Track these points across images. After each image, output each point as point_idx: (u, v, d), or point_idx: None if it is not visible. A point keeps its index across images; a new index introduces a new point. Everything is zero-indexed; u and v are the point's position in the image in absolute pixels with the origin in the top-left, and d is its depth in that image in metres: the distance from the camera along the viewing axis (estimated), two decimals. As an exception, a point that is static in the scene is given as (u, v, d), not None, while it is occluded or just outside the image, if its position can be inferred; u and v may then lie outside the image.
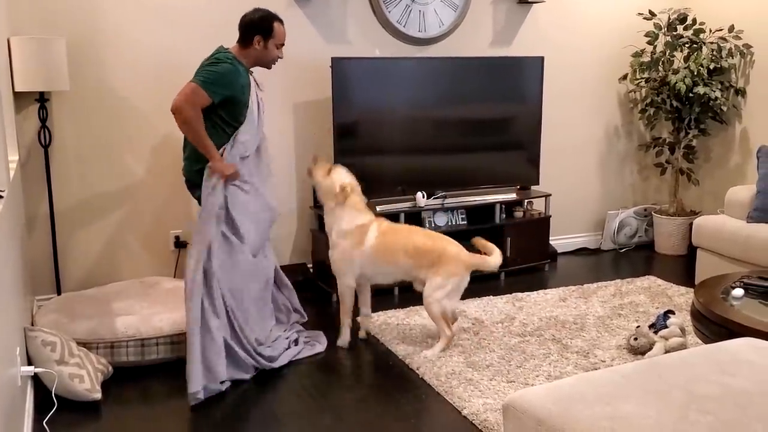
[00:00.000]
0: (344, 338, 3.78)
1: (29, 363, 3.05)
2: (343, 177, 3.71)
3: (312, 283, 4.69)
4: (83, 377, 3.09)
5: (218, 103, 3.26)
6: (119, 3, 4.15)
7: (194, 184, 3.43)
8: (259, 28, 3.38)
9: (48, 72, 3.76)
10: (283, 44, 3.49)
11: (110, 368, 3.37)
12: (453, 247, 3.63)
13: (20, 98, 3.98)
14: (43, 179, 4.07)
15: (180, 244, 4.47)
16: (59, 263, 4.14)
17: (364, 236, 3.64)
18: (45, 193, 4.07)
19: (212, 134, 3.31)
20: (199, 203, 3.48)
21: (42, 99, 3.96)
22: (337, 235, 3.68)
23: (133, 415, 3.08)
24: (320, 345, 3.74)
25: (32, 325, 3.51)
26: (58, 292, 4.13)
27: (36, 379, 3.13)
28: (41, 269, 4.15)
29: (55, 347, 3.07)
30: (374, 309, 4.23)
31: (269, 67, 3.55)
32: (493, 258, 3.66)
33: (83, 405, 3.10)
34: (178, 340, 3.50)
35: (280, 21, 3.46)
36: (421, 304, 4.17)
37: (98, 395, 3.13)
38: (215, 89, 3.22)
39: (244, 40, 3.40)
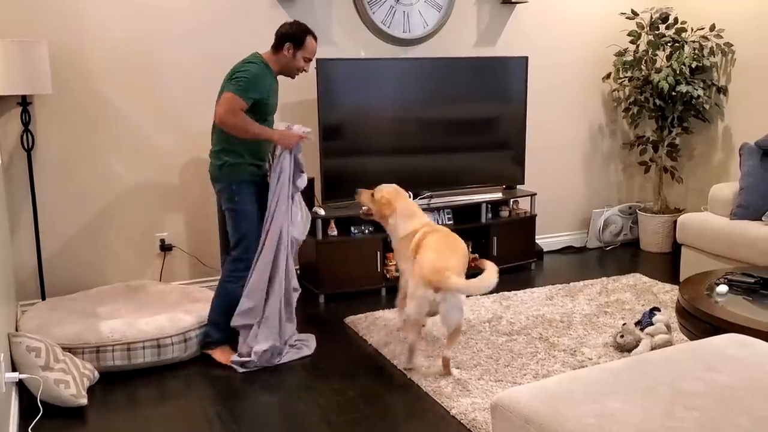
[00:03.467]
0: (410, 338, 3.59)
1: (14, 369, 3.03)
2: (384, 191, 3.78)
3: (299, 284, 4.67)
4: (69, 383, 3.07)
5: (250, 106, 3.44)
6: (102, 5, 4.13)
7: (215, 180, 3.63)
8: (292, 37, 3.57)
9: (30, 75, 3.73)
10: (310, 59, 3.67)
11: (96, 373, 3.34)
12: (428, 257, 3.36)
13: (2, 102, 3.95)
14: (26, 183, 4.03)
15: (165, 247, 4.45)
16: (43, 268, 4.11)
17: (414, 237, 3.60)
18: (28, 197, 4.04)
19: (229, 138, 3.50)
20: (218, 198, 3.70)
21: (24, 102, 3.92)
22: (397, 243, 3.73)
23: (119, 420, 3.05)
24: (307, 348, 3.74)
25: (16, 330, 3.48)
26: (43, 297, 4.09)
27: (21, 385, 3.10)
28: (25, 274, 4.11)
29: (40, 353, 3.04)
30: (360, 311, 4.24)
31: (293, 77, 3.72)
32: (459, 281, 3.28)
33: (69, 411, 3.07)
34: (165, 344, 3.49)
35: (315, 38, 3.65)
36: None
37: (84, 401, 3.10)
38: (248, 94, 3.42)
39: (277, 46, 3.59)
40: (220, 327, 3.61)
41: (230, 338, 3.65)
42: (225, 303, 3.60)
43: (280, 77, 3.67)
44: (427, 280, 3.28)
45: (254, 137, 3.48)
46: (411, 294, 3.37)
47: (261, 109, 3.51)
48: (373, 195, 3.81)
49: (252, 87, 3.43)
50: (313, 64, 4.42)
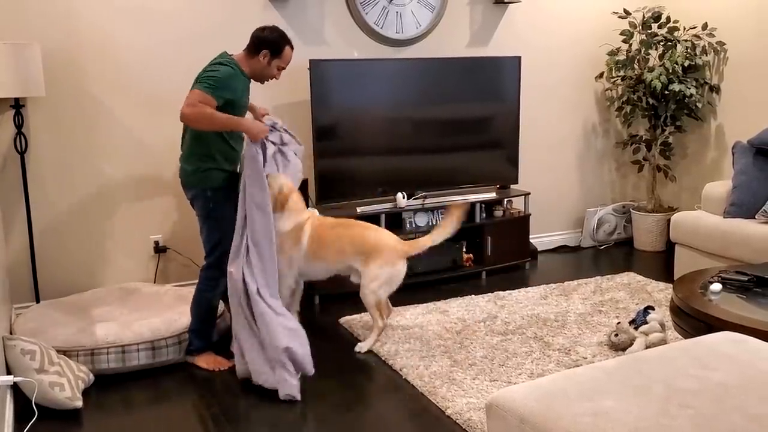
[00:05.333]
0: None
1: (8, 372, 3.02)
2: (277, 183, 3.61)
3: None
4: (64, 385, 3.06)
5: (220, 107, 3.31)
6: (95, 8, 4.12)
7: (187, 186, 3.52)
8: (271, 44, 3.46)
9: (23, 78, 3.72)
10: (284, 68, 3.57)
11: (91, 376, 3.34)
12: (383, 236, 3.73)
13: (-5, 105, 3.94)
14: (19, 186, 4.02)
15: (160, 249, 4.44)
16: (37, 271, 4.10)
17: (300, 237, 3.66)
18: (22, 200, 4.03)
19: (211, 140, 3.40)
20: (192, 205, 3.57)
21: (17, 105, 3.92)
22: (278, 237, 3.57)
23: (114, 423, 3.05)
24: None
25: (11, 333, 3.47)
26: (37, 300, 4.08)
27: (16, 388, 3.10)
28: (19, 277, 4.10)
29: (35, 355, 3.04)
30: (355, 311, 4.24)
31: (262, 82, 3.62)
32: (425, 238, 3.76)
33: (64, 413, 3.07)
34: (159, 346, 3.49)
35: (292, 47, 3.55)
36: (404, 305, 4.18)
37: (79, 403, 3.10)
38: (218, 93, 3.29)
39: (253, 49, 3.48)
40: (201, 335, 3.58)
41: (213, 345, 3.64)
42: (203, 312, 3.55)
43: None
44: (403, 252, 3.69)
45: (221, 127, 3.33)
46: (382, 273, 3.64)
47: (234, 112, 3.38)
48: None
49: (223, 86, 3.30)
50: (305, 64, 4.44)
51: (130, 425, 3.03)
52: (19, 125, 3.95)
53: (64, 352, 3.33)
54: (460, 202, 3.81)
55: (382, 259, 3.65)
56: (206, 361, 3.56)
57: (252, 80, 3.55)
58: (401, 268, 3.72)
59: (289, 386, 3.20)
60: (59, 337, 3.39)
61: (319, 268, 3.75)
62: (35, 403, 2.96)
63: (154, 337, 3.48)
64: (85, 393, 3.24)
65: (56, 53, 4.05)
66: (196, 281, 3.60)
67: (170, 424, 3.05)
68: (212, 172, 3.45)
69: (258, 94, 4.54)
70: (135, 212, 4.38)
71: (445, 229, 3.79)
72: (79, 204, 4.23)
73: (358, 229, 3.74)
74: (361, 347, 3.72)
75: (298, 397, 3.19)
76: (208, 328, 3.58)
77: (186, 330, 3.58)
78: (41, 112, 4.08)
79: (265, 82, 3.60)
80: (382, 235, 3.75)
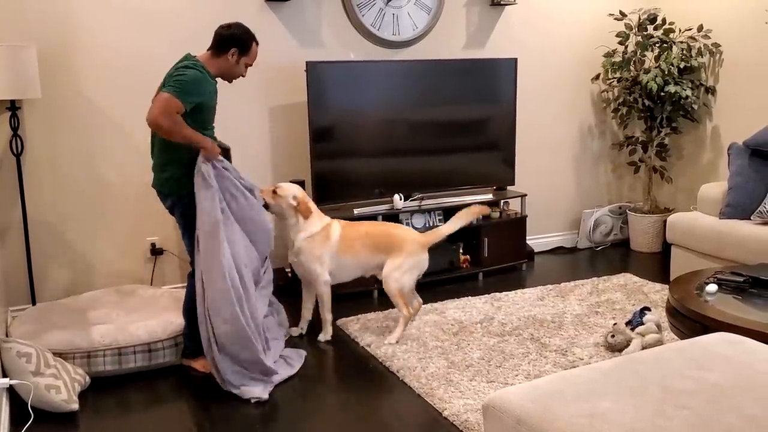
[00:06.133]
0: (327, 334, 3.90)
1: (4, 375, 3.01)
2: (293, 190, 3.80)
3: (292, 288, 4.67)
4: (60, 388, 3.05)
5: (188, 111, 3.22)
6: (91, 9, 4.12)
7: (164, 194, 3.45)
8: (238, 42, 3.38)
9: (19, 80, 3.72)
10: (251, 65, 3.50)
11: (87, 378, 3.33)
12: (404, 231, 3.93)
13: (-9, 107, 3.94)
14: (15, 188, 4.02)
15: (156, 251, 4.44)
16: (33, 273, 4.09)
17: (329, 236, 3.84)
18: (18, 202, 4.02)
19: (182, 147, 3.28)
20: (171, 213, 3.49)
21: (13, 107, 3.91)
22: (305, 240, 3.80)
23: (111, 425, 3.05)
24: (292, 368, 3.55)
25: (7, 336, 3.46)
26: (33, 302, 4.08)
27: (11, 391, 3.09)
28: (15, 279, 4.09)
29: (31, 358, 3.03)
30: (351, 313, 4.24)
31: (230, 81, 3.53)
32: (443, 227, 3.95)
33: (60, 416, 3.06)
34: (155, 348, 3.48)
35: (257, 43, 3.48)
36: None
37: (75, 406, 3.09)
38: (187, 97, 3.18)
39: (219, 49, 3.38)
40: (196, 338, 3.52)
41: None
42: (192, 315, 3.50)
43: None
44: (425, 243, 3.87)
45: (186, 141, 3.22)
46: (405, 263, 3.79)
47: (203, 116, 3.31)
48: (275, 192, 3.79)
49: (192, 90, 3.20)
50: (302, 66, 4.44)
51: (126, 428, 3.03)
52: (15, 127, 3.94)
53: (60, 354, 3.32)
54: (478, 205, 4.08)
55: (406, 251, 3.83)
56: (202, 364, 3.55)
57: (220, 79, 3.46)
58: (424, 257, 3.89)
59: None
60: (55, 339, 3.38)
61: (349, 266, 3.90)
62: (31, 405, 2.95)
63: (151, 340, 3.48)
64: (82, 395, 3.23)
65: (52, 55, 4.05)
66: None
67: (167, 427, 3.05)
68: (186, 178, 3.35)
69: (254, 96, 4.56)
70: (131, 214, 4.38)
71: (461, 219, 3.94)
72: (75, 206, 4.23)
73: (383, 227, 3.96)
74: (390, 339, 3.79)
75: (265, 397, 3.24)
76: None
77: (182, 332, 3.57)
78: (37, 114, 4.07)
79: (233, 80, 3.52)
80: (404, 230, 3.96)
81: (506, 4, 5.20)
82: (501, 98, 5.10)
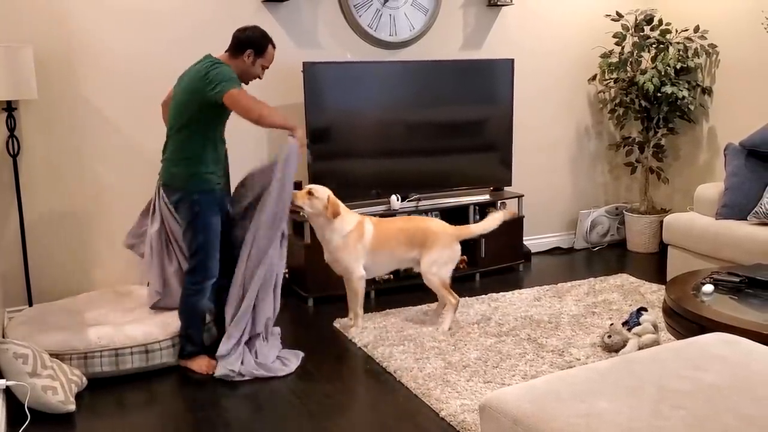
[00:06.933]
0: (359, 327, 3.99)
1: (1, 376, 3.00)
2: (327, 192, 3.86)
3: (288, 288, 4.67)
4: (56, 389, 3.05)
5: (219, 105, 3.31)
6: (88, 10, 4.11)
7: (172, 189, 3.47)
8: (254, 44, 3.47)
9: (15, 80, 3.71)
10: (267, 67, 3.57)
11: (84, 379, 3.32)
12: (436, 224, 4.07)
13: (-13, 107, 3.93)
14: (12, 189, 4.01)
15: (153, 252, 4.43)
16: (30, 274, 4.09)
17: (362, 233, 3.91)
18: (14, 203, 4.02)
19: (201, 144, 3.40)
20: (174, 208, 3.51)
21: (9, 108, 3.91)
22: (340, 238, 3.87)
23: (108, 426, 3.04)
24: (288, 369, 3.56)
25: (3, 337, 3.45)
26: (30, 304, 4.07)
27: (8, 392, 3.08)
28: (12, 280, 4.09)
29: (27, 359, 3.03)
30: (348, 313, 4.24)
31: (246, 83, 3.58)
32: (474, 226, 4.17)
33: (57, 417, 3.05)
34: (153, 349, 3.48)
35: (274, 46, 3.55)
36: (398, 307, 4.19)
37: (72, 407, 3.09)
38: (239, 82, 3.34)
39: (236, 50, 3.47)
40: (192, 338, 3.56)
41: (206, 349, 3.62)
42: (189, 315, 3.54)
43: None
44: (456, 236, 4.04)
45: (280, 125, 3.45)
46: (441, 256, 3.95)
47: (225, 111, 3.40)
48: (310, 193, 3.82)
49: (237, 79, 3.35)
50: (299, 67, 4.44)
51: (123, 429, 3.03)
52: (11, 128, 3.94)
53: (56, 355, 3.32)
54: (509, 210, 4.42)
55: (440, 244, 3.97)
56: (199, 365, 3.54)
57: None
58: (457, 249, 4.06)
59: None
60: (52, 340, 3.37)
61: (384, 261, 4.00)
62: (28, 407, 2.95)
63: (148, 341, 3.48)
64: (78, 396, 3.23)
65: (48, 56, 4.04)
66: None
67: (164, 428, 3.05)
68: (202, 175, 3.42)
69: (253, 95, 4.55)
70: (128, 215, 4.34)
71: (492, 222, 4.12)
72: (71, 207, 4.22)
73: (416, 222, 4.08)
74: (442, 329, 3.92)
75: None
76: (198, 332, 3.57)
77: (179, 333, 3.57)
78: (33, 114, 4.07)
79: (249, 82, 3.57)
80: (437, 223, 4.10)
81: (503, 5, 5.21)
82: (498, 99, 5.10)
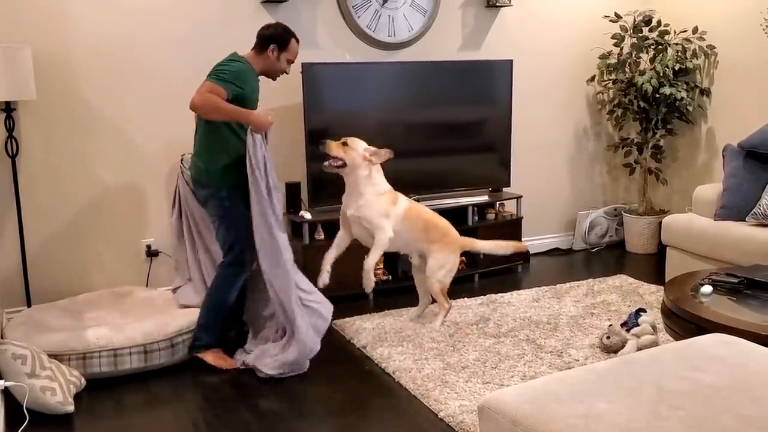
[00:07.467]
0: (370, 284, 3.93)
1: (-1, 377, 3.01)
2: (363, 143, 3.84)
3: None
4: (55, 390, 3.05)
5: (230, 100, 3.34)
6: (86, 10, 4.11)
7: (200, 185, 3.56)
8: (277, 39, 3.56)
9: (14, 81, 3.70)
10: (293, 61, 3.67)
11: (83, 380, 3.32)
12: (453, 230, 4.07)
13: (-15, 108, 3.93)
14: (10, 190, 4.01)
15: (151, 253, 4.43)
16: (29, 275, 4.08)
17: (396, 199, 3.90)
18: (13, 204, 4.01)
19: (223, 136, 3.45)
20: (202, 205, 3.62)
21: (8, 108, 3.90)
22: (376, 194, 3.84)
23: (106, 427, 3.04)
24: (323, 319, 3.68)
25: (2, 337, 3.45)
26: (29, 304, 4.07)
27: (6, 393, 3.08)
28: (10, 281, 4.08)
29: (26, 360, 3.02)
30: (347, 314, 4.24)
31: (274, 78, 3.69)
32: (482, 243, 4.17)
33: (56, 418, 3.05)
34: (151, 350, 3.48)
35: (297, 40, 3.65)
36: (396, 308, 4.19)
37: (71, 408, 3.09)
38: (229, 85, 3.34)
39: (261, 47, 3.57)
40: (211, 330, 3.58)
41: (221, 342, 3.63)
42: (217, 306, 3.57)
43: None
44: (462, 245, 4.07)
45: (227, 117, 3.36)
46: (447, 262, 3.97)
47: (244, 107, 3.42)
48: (346, 143, 3.79)
49: (234, 78, 3.36)
50: (298, 68, 4.43)
51: (122, 429, 3.03)
52: (10, 129, 3.93)
53: (55, 356, 3.31)
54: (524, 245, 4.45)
55: (448, 248, 4.00)
56: (214, 358, 3.55)
57: (265, 77, 3.64)
58: (458, 259, 4.09)
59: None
60: (51, 341, 3.37)
61: (402, 236, 3.92)
62: (26, 407, 2.95)
63: (146, 341, 3.47)
64: (77, 397, 3.22)
65: (47, 56, 4.04)
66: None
67: (162, 429, 3.04)
68: (227, 169, 3.47)
69: (250, 97, 4.55)
70: (127, 216, 4.37)
71: (502, 248, 4.21)
72: (70, 207, 4.22)
73: (438, 220, 4.05)
74: (435, 325, 4.00)
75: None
76: (218, 324, 3.57)
77: (179, 334, 3.57)
78: (32, 115, 4.07)
79: (277, 77, 3.69)
80: (446, 222, 4.07)
81: (502, 6, 5.21)
82: (496, 100, 5.11)
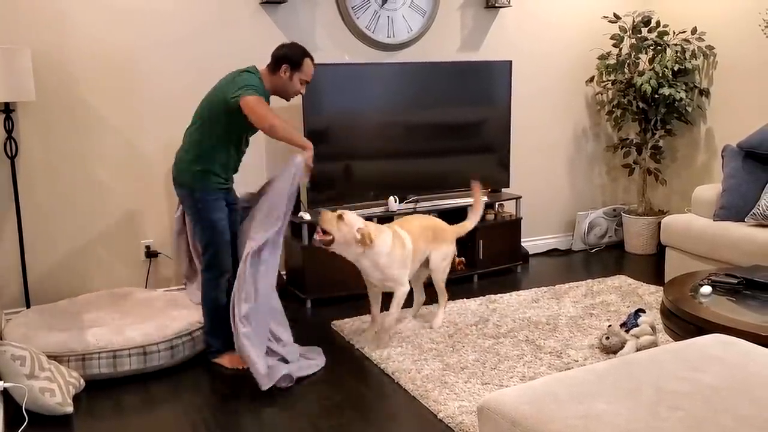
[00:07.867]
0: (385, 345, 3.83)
1: (-2, 378, 3.01)
2: (358, 221, 3.63)
3: (285, 290, 4.68)
4: (54, 391, 3.05)
5: (242, 115, 3.31)
6: (85, 12, 4.11)
7: (177, 184, 3.53)
8: (289, 59, 3.49)
9: (13, 82, 3.70)
10: (308, 82, 3.57)
11: (82, 381, 3.32)
12: (440, 221, 4.12)
13: (-15, 109, 3.93)
14: (9, 191, 4.01)
15: (151, 254, 4.43)
16: (28, 276, 4.08)
17: (401, 238, 3.79)
18: (12, 205, 4.01)
19: (217, 148, 3.44)
20: (181, 202, 3.61)
21: (7, 110, 3.90)
22: (386, 255, 3.67)
23: (105, 429, 3.04)
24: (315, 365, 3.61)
25: (1, 339, 3.45)
26: (28, 305, 4.07)
27: (6, 394, 3.08)
28: (10, 282, 4.08)
29: (25, 361, 3.02)
30: (347, 315, 4.24)
31: (288, 99, 3.62)
32: (468, 222, 4.23)
33: (55, 419, 3.05)
34: (150, 351, 3.47)
35: (312, 59, 3.55)
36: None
37: (70, 409, 3.08)
38: (264, 94, 3.37)
39: (274, 67, 3.50)
40: (217, 334, 3.59)
41: (232, 344, 3.61)
42: (213, 311, 3.58)
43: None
44: (456, 234, 4.15)
45: (289, 140, 3.35)
46: (448, 253, 4.07)
47: (244, 119, 3.33)
48: (341, 217, 3.60)
49: (262, 88, 3.38)
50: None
51: (121, 431, 3.02)
52: (9, 130, 3.93)
53: (54, 357, 3.31)
54: (475, 185, 4.28)
55: (447, 241, 4.07)
56: (230, 360, 3.56)
57: (277, 96, 3.57)
58: (455, 245, 4.19)
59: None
60: (50, 342, 3.37)
61: (415, 261, 3.91)
62: (25, 408, 2.95)
63: (146, 343, 3.47)
64: (76, 398, 3.22)
65: (47, 58, 4.04)
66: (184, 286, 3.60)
67: (161, 430, 3.04)
68: (205, 175, 3.44)
69: (249, 98, 4.55)
70: (126, 217, 4.37)
71: (476, 211, 4.24)
72: (69, 209, 4.22)
73: (424, 220, 4.07)
74: (437, 324, 4.04)
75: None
76: (222, 326, 3.55)
77: (178, 335, 3.57)
78: (31, 116, 4.07)
79: (290, 98, 3.61)
80: (440, 221, 4.16)
81: (501, 7, 5.21)
82: (496, 100, 5.11)
